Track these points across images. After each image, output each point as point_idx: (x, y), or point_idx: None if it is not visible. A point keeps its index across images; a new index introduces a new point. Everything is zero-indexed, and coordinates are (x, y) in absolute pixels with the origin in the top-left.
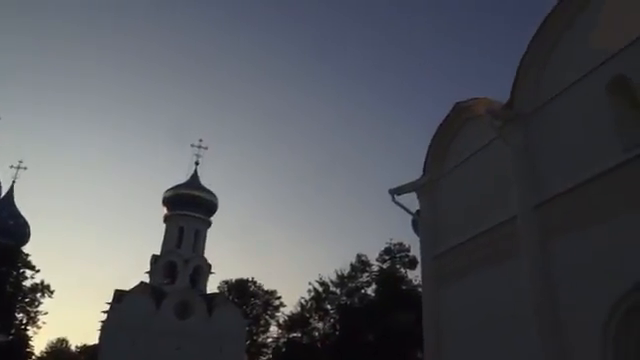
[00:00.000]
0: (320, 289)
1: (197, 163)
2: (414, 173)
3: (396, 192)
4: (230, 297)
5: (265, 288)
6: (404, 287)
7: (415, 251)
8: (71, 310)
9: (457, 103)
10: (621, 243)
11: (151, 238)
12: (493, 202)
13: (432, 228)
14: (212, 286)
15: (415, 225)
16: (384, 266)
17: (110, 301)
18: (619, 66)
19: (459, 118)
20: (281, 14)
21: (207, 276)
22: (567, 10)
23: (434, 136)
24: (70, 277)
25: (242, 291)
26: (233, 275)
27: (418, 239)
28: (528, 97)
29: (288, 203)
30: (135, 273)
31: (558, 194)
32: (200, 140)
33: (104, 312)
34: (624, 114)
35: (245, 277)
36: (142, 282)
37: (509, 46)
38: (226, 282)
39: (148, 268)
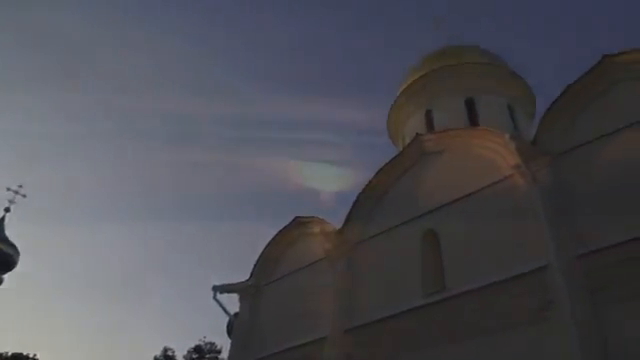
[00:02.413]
0: None
1: (7, 210)
2: (243, 273)
3: (219, 290)
4: None
5: None
6: None
7: (226, 354)
8: None
9: (297, 217)
10: None
11: None
12: (308, 320)
13: (246, 334)
14: None
15: (230, 327)
16: None
17: None
18: None
19: (296, 231)
20: None
21: None
22: None
23: (268, 244)
24: None
25: None
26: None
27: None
28: None
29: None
30: None
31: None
32: (19, 186)
33: None
34: None
35: (26, 352)
36: None
37: None
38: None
39: None
